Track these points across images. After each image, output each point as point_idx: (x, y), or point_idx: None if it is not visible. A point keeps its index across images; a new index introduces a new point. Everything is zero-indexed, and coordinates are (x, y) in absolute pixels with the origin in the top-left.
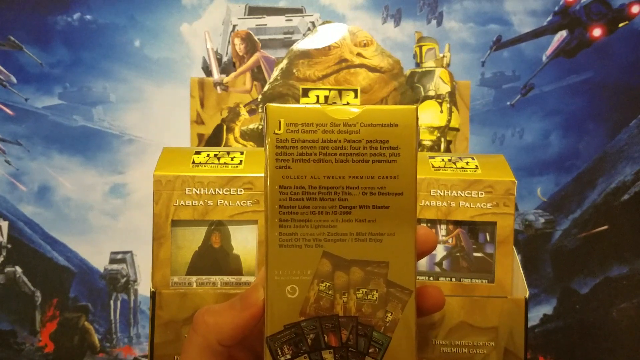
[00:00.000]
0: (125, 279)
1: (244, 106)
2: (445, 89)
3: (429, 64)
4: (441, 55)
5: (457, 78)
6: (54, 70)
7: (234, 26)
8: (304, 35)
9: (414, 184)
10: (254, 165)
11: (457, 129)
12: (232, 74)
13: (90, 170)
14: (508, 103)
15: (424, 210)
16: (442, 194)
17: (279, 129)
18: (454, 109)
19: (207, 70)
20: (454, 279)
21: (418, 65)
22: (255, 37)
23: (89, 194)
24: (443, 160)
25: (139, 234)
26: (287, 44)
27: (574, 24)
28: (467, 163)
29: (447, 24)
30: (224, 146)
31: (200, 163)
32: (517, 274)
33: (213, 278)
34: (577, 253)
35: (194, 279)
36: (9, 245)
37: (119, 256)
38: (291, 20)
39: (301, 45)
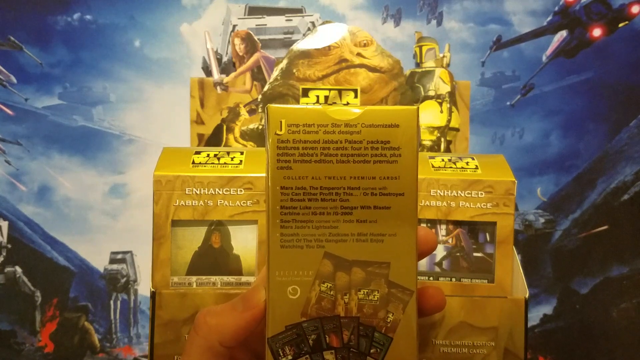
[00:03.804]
0: (125, 279)
1: (244, 106)
2: (445, 89)
3: (429, 64)
4: (441, 55)
5: (457, 78)
6: (54, 70)
7: (234, 26)
8: (304, 35)
9: (415, 184)
10: (254, 165)
11: (457, 129)
12: (232, 74)
13: (90, 170)
14: (508, 103)
15: (424, 210)
16: (442, 194)
17: (281, 130)
18: (454, 109)
19: (207, 70)
20: (454, 279)
21: (418, 65)
22: (255, 37)
23: (88, 194)
24: (443, 160)
25: (139, 234)
26: (287, 44)
27: (574, 24)
28: (467, 163)
29: (447, 24)
30: (224, 146)
31: (200, 163)
32: (517, 274)
33: (213, 278)
34: (577, 253)
35: (194, 279)
36: (9, 245)
37: (119, 256)
38: (291, 20)
39: (301, 45)
